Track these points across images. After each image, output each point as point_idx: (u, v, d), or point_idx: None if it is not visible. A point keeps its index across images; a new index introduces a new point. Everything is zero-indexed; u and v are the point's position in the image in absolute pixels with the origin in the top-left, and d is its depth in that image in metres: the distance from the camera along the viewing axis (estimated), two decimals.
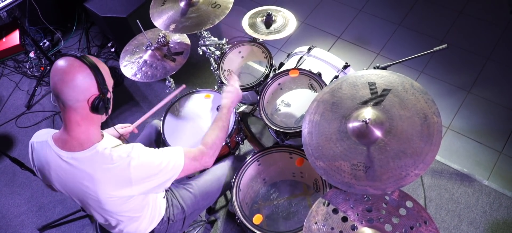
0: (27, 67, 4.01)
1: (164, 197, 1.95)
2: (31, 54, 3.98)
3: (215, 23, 2.30)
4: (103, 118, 1.59)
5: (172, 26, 2.36)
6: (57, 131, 1.61)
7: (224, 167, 2.19)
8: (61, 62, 1.44)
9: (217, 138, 1.85)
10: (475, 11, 3.69)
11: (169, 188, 2.07)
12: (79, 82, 1.43)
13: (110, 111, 1.60)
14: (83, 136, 1.52)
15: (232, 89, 2.06)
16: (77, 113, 1.48)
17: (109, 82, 1.55)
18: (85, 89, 1.45)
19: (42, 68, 3.86)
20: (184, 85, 2.35)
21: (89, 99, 1.47)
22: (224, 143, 2.21)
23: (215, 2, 2.41)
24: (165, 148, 1.69)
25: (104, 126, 1.66)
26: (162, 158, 1.60)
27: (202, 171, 2.20)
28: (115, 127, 2.08)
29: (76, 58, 1.45)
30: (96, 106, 1.48)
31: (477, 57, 3.38)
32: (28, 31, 3.55)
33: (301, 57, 2.50)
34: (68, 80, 1.41)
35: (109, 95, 1.55)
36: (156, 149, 1.65)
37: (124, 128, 2.13)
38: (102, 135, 1.60)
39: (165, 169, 1.60)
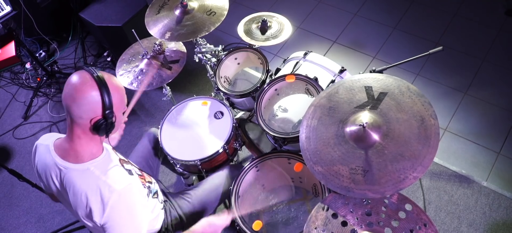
0: (24, 78, 4.00)
1: (162, 208, 1.94)
2: (27, 65, 3.98)
3: (211, 31, 2.31)
4: (103, 137, 1.57)
5: (168, 34, 2.37)
6: (62, 136, 1.62)
7: (222, 176, 2.18)
8: (76, 76, 1.44)
9: None
10: (470, 13, 3.71)
11: (167, 198, 2.06)
12: (86, 101, 1.43)
13: (113, 133, 1.58)
14: (82, 149, 1.52)
15: (211, 225, 1.86)
16: (80, 128, 1.48)
17: (120, 105, 1.54)
18: (89, 110, 1.44)
19: (38, 79, 3.85)
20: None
21: (92, 120, 1.46)
22: (222, 150, 2.21)
23: (210, 10, 2.42)
24: (148, 215, 1.69)
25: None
26: (140, 219, 1.58)
27: (200, 180, 2.20)
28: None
29: (91, 76, 1.44)
30: (97, 128, 1.48)
31: (473, 58, 3.39)
32: (23, 42, 3.55)
33: (297, 62, 2.51)
34: (76, 97, 1.42)
35: (115, 118, 1.52)
36: (142, 206, 1.63)
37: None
38: (103, 150, 1.60)
39: (137, 227, 1.57)
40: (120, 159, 1.67)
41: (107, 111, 1.46)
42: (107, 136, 1.56)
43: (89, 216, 1.52)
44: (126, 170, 1.62)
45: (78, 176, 1.51)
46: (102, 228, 1.54)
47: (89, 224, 1.59)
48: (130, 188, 1.56)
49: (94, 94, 1.43)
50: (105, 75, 1.48)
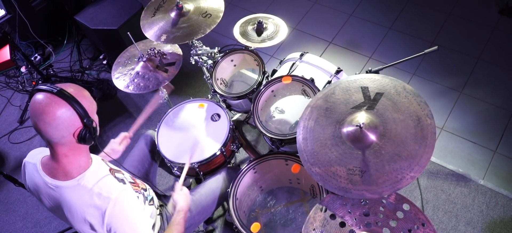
0: (19, 82, 3.98)
1: (158, 214, 1.92)
2: (23, 69, 3.96)
3: (206, 33, 2.30)
4: (90, 145, 1.54)
5: (163, 37, 2.36)
6: (47, 153, 1.56)
7: (219, 179, 2.18)
8: (38, 101, 1.37)
9: None
10: (464, 12, 3.73)
11: (163, 203, 2.05)
12: (60, 120, 1.38)
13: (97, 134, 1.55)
14: (70, 166, 1.49)
15: (181, 195, 1.90)
16: (64, 147, 1.45)
17: (92, 108, 1.49)
18: (68, 125, 1.40)
19: (34, 83, 3.84)
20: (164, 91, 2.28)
21: (75, 133, 1.42)
22: (219, 152, 2.20)
23: (206, 12, 2.41)
24: (146, 215, 1.69)
25: (101, 144, 1.63)
26: (138, 221, 1.56)
27: (198, 183, 2.19)
28: (106, 150, 2.04)
29: (52, 94, 1.38)
30: (83, 138, 1.44)
31: (468, 57, 3.40)
32: (18, 46, 3.53)
33: (293, 64, 2.51)
34: (49, 121, 1.36)
35: (94, 123, 1.49)
36: (139, 207, 1.62)
37: (119, 141, 2.11)
38: (91, 161, 1.57)
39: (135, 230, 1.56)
40: (110, 169, 1.63)
41: (85, 120, 1.42)
42: (95, 142, 1.52)
43: (93, 228, 1.52)
44: (118, 179, 1.60)
45: (70, 193, 1.49)
46: None
47: None
48: (124, 194, 1.54)
49: (65, 110, 1.38)
50: (64, 86, 1.42)
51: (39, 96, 1.38)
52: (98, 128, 1.54)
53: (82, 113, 1.42)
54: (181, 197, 1.88)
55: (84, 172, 1.51)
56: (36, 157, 1.59)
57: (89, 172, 1.52)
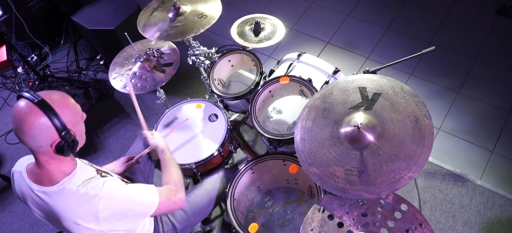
0: (16, 83, 3.97)
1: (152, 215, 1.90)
2: (19, 70, 3.94)
3: (199, 32, 2.30)
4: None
5: (157, 34, 2.38)
6: (33, 161, 1.54)
7: (215, 180, 2.17)
8: (18, 108, 1.36)
9: (178, 176, 1.83)
10: (462, 13, 3.74)
11: None
12: (37, 131, 1.36)
13: (79, 147, 1.52)
14: (54, 171, 1.48)
15: (155, 137, 1.98)
16: (44, 155, 1.44)
17: (75, 119, 1.47)
18: (45, 137, 1.38)
19: (30, 83, 3.82)
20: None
21: (52, 144, 1.40)
22: (217, 153, 2.20)
23: (202, 13, 2.41)
24: (138, 184, 1.65)
25: (99, 144, 1.63)
26: (135, 196, 1.57)
27: (195, 183, 2.19)
28: (105, 167, 1.99)
29: (32, 104, 1.35)
30: (61, 149, 1.41)
31: (465, 58, 3.41)
32: (15, 46, 3.52)
33: (291, 64, 2.51)
34: (26, 130, 1.35)
35: (74, 134, 1.45)
36: (130, 184, 1.61)
37: (126, 164, 2.06)
38: (76, 164, 1.55)
39: (138, 207, 1.57)
40: (97, 170, 1.62)
41: (63, 133, 1.39)
42: (74, 154, 1.50)
43: (89, 230, 1.51)
44: (104, 176, 1.59)
45: (57, 198, 1.48)
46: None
47: None
48: (109, 181, 1.52)
49: (43, 121, 1.36)
50: (47, 95, 1.40)
51: (21, 103, 1.37)
52: (82, 138, 1.52)
53: (60, 127, 1.38)
54: (157, 139, 1.96)
55: (69, 176, 1.49)
56: (22, 165, 1.59)
57: (74, 175, 1.50)
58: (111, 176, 1.62)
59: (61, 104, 1.42)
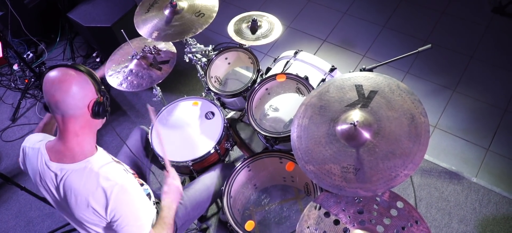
0: (11, 80, 3.95)
1: (154, 210, 1.91)
2: (15, 67, 3.92)
3: (198, 32, 2.30)
4: (100, 123, 1.58)
5: (155, 34, 2.36)
6: (52, 138, 1.59)
7: (213, 175, 2.17)
8: (54, 73, 1.44)
9: None
10: (457, 11, 3.75)
11: (159, 200, 2.04)
12: (78, 89, 1.44)
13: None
14: (78, 147, 1.51)
15: (173, 188, 1.86)
16: (76, 122, 1.47)
17: (99, 86, 1.55)
18: (85, 96, 1.46)
19: (26, 81, 3.80)
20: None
21: (89, 104, 1.47)
22: (213, 150, 2.20)
23: (199, 11, 2.41)
24: (148, 202, 1.69)
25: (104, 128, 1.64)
26: (139, 206, 1.58)
27: (191, 180, 2.19)
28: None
29: (69, 68, 1.45)
30: (97, 111, 1.49)
31: (461, 56, 3.42)
32: (11, 43, 3.50)
33: (287, 62, 2.51)
34: (66, 89, 1.42)
35: (107, 97, 1.56)
36: (144, 194, 1.65)
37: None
38: (96, 148, 1.59)
39: (132, 218, 1.55)
40: (113, 159, 1.66)
41: (100, 90, 1.50)
42: (107, 117, 1.57)
43: (96, 213, 1.51)
44: (122, 169, 1.62)
45: (75, 176, 1.50)
46: (109, 226, 1.54)
47: (96, 229, 1.58)
48: (129, 182, 1.56)
49: (82, 79, 1.46)
50: (77, 64, 1.51)
51: (53, 72, 1.44)
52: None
53: (97, 85, 1.50)
54: (169, 195, 1.84)
55: (91, 156, 1.53)
56: (39, 143, 1.60)
57: (95, 157, 1.54)
58: (127, 173, 1.63)
59: (87, 70, 1.51)
